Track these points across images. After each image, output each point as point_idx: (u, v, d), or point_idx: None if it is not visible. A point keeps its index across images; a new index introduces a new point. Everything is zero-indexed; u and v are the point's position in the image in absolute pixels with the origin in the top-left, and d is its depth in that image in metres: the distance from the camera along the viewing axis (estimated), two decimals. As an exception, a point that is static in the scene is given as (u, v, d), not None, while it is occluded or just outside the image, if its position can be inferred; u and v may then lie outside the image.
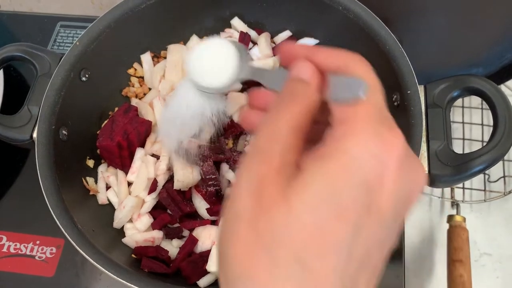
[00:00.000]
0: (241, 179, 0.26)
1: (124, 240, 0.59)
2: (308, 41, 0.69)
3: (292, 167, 0.26)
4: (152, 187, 0.60)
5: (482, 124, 0.75)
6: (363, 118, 0.25)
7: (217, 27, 0.72)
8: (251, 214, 0.24)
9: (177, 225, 0.60)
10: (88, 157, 0.64)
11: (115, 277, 0.48)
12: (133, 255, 0.57)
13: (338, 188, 0.24)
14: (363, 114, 0.26)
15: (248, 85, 0.70)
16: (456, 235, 0.64)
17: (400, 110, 0.54)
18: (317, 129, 0.30)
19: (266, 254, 0.23)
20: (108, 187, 0.63)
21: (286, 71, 0.31)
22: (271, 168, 0.25)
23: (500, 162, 0.71)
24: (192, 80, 0.42)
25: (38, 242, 0.67)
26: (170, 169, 0.62)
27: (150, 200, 0.60)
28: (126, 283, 0.47)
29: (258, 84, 0.70)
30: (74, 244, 0.50)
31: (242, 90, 0.69)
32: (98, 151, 0.64)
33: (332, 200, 0.23)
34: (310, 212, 0.23)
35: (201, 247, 0.57)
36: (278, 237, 0.23)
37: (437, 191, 0.71)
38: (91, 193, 0.62)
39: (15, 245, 0.67)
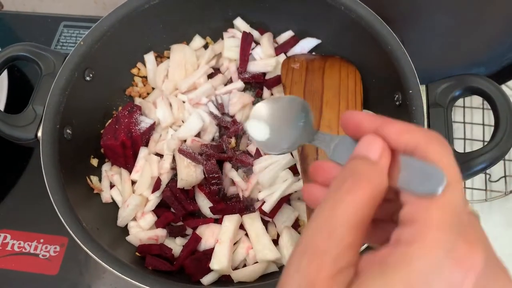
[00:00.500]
0: (288, 280, 0.22)
1: (128, 238, 0.59)
2: (310, 41, 0.70)
3: (349, 271, 0.22)
4: (156, 186, 0.60)
5: (483, 124, 0.75)
6: (437, 224, 0.22)
7: (220, 27, 0.72)
8: None
9: (180, 223, 0.60)
10: (92, 156, 0.64)
11: (119, 274, 0.48)
12: (137, 253, 0.58)
13: None
14: (438, 218, 0.22)
15: (251, 85, 0.71)
16: (457, 234, 0.64)
17: (402, 109, 0.54)
18: (387, 208, 0.26)
19: None
20: (112, 185, 0.64)
21: (353, 141, 0.28)
22: (324, 274, 0.22)
23: (501, 162, 0.72)
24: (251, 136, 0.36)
25: (42, 240, 0.68)
26: (173, 168, 0.62)
27: (154, 199, 0.60)
28: (131, 280, 0.48)
29: (261, 83, 0.70)
30: (79, 242, 0.50)
31: (244, 90, 0.70)
32: (102, 150, 0.65)
33: None
34: None
35: (204, 245, 0.57)
36: None
37: (439, 190, 0.71)
38: (95, 191, 0.62)
39: (19, 243, 0.68)
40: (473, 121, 0.76)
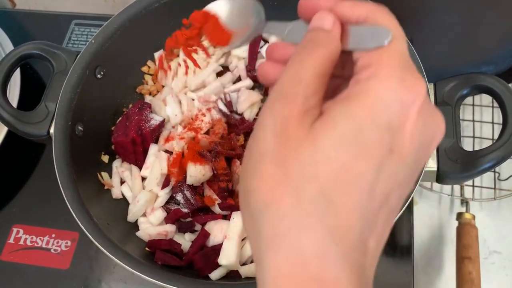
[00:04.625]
0: (264, 121, 0.26)
1: (138, 233, 0.60)
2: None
3: (316, 110, 0.26)
4: (165, 182, 0.61)
5: (492, 122, 0.75)
6: (388, 63, 0.26)
7: (229, 25, 0.72)
8: (276, 152, 0.25)
9: (189, 219, 0.61)
10: (103, 153, 0.65)
11: (129, 269, 0.49)
12: (146, 248, 0.58)
13: (363, 128, 0.24)
14: (388, 60, 0.26)
15: (260, 82, 0.71)
16: (465, 232, 0.64)
17: (410, 107, 0.54)
18: (334, 84, 0.30)
19: (292, 189, 0.24)
20: (122, 182, 0.64)
21: (305, 24, 0.31)
22: (295, 110, 0.25)
23: (511, 160, 0.71)
24: None
25: (53, 235, 0.69)
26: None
27: (163, 195, 0.61)
28: (141, 275, 0.49)
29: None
30: (90, 237, 0.51)
31: (253, 88, 0.70)
32: (112, 147, 0.66)
33: (357, 139, 0.24)
34: (336, 150, 0.24)
35: (213, 240, 0.58)
36: (305, 173, 0.24)
37: (447, 188, 0.71)
38: (105, 187, 0.63)
39: (32, 238, 0.69)
40: (482, 120, 0.76)
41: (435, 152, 0.52)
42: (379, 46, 0.27)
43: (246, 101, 0.66)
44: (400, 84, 0.25)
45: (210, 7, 0.40)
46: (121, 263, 0.50)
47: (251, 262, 0.58)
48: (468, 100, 0.76)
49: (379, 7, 0.29)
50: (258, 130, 0.26)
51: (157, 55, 0.71)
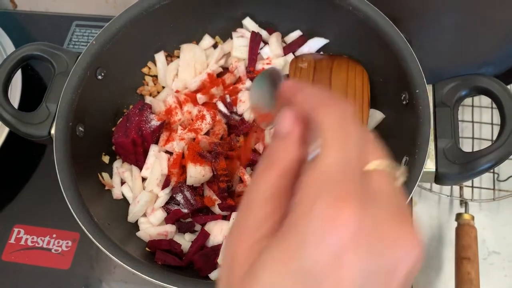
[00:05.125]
0: (223, 250, 0.27)
1: (138, 233, 0.60)
2: (318, 41, 0.70)
3: (267, 238, 0.24)
4: (166, 183, 0.61)
5: (492, 124, 0.75)
6: (310, 190, 0.22)
7: (229, 26, 0.73)
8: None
9: (189, 219, 0.61)
10: (103, 153, 0.66)
11: (130, 269, 0.49)
12: (147, 248, 0.59)
13: (282, 276, 0.22)
14: (312, 184, 0.22)
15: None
16: (464, 233, 0.64)
17: (409, 108, 0.55)
18: None
19: None
20: (122, 182, 0.65)
21: None
22: (243, 245, 0.24)
23: (510, 161, 0.72)
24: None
25: (54, 235, 0.69)
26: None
27: (163, 195, 0.61)
28: (141, 275, 0.49)
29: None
30: (91, 237, 0.51)
31: (253, 89, 0.71)
32: (113, 148, 0.66)
33: None
34: None
35: (212, 241, 0.58)
36: None
37: (446, 189, 0.72)
38: (106, 188, 0.63)
39: (33, 238, 0.69)
40: (481, 121, 0.76)
41: (433, 153, 0.52)
42: (313, 156, 0.23)
43: (246, 102, 0.66)
44: (320, 221, 0.21)
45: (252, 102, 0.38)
46: (122, 263, 0.50)
47: (251, 262, 0.58)
48: (468, 101, 0.77)
49: (328, 98, 0.25)
50: (220, 257, 0.27)
51: (157, 56, 0.72)
